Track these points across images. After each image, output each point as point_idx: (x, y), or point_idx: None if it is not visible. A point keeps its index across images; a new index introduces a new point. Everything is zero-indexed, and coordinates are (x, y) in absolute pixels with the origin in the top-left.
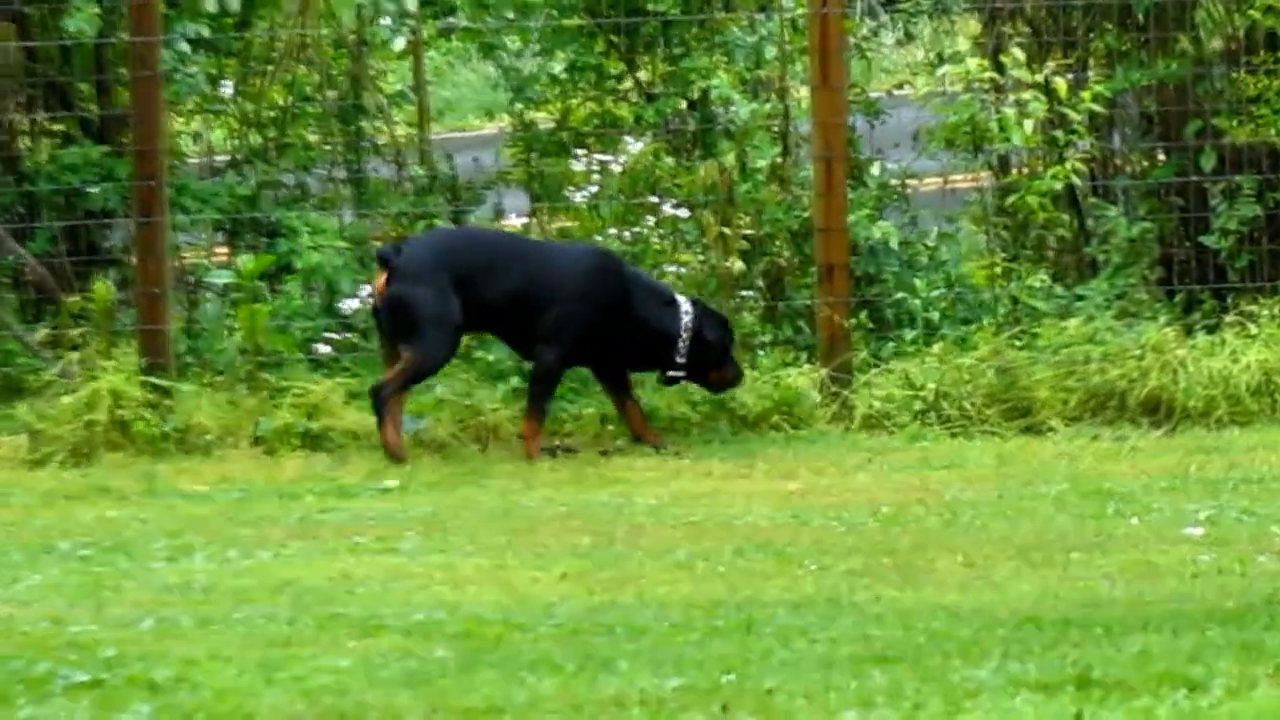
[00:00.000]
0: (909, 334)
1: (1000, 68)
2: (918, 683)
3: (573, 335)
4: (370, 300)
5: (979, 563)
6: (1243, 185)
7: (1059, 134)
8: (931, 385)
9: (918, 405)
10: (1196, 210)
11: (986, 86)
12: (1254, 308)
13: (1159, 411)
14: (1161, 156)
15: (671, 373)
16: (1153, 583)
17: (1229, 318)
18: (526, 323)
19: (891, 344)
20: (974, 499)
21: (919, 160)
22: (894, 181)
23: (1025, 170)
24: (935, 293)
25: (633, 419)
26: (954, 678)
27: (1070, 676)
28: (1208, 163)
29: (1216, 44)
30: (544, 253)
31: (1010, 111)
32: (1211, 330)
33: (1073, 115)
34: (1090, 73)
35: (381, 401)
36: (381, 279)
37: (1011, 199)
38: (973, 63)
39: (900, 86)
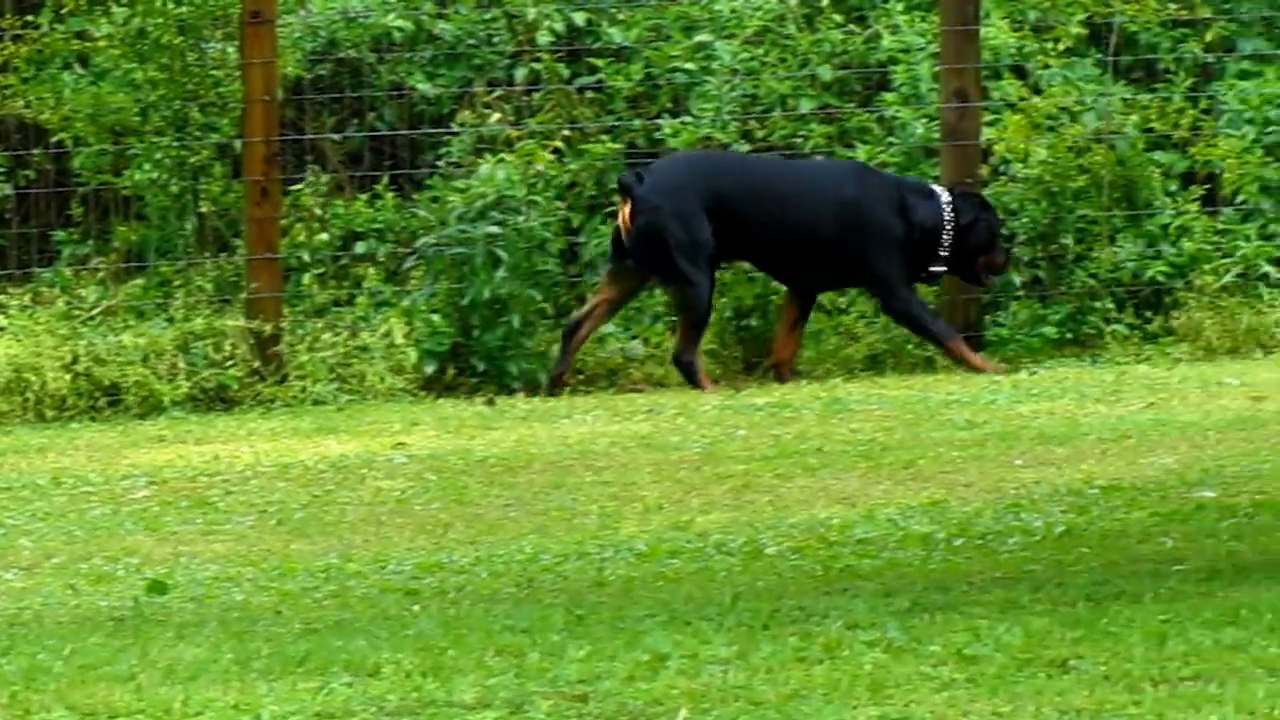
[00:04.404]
0: None
1: None
2: None
3: (899, 266)
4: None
5: None
6: None
7: None
8: None
9: None
10: None
11: None
12: (3, 297)
13: None
14: None
15: (934, 268)
16: None
17: None
18: (791, 253)
19: None
20: None
21: None
22: None
23: None
24: None
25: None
26: None
27: None
28: None
29: None
30: (801, 175)
31: None
32: None
33: None
34: None
35: (689, 366)
36: (625, 210)
37: None
38: None
39: None
